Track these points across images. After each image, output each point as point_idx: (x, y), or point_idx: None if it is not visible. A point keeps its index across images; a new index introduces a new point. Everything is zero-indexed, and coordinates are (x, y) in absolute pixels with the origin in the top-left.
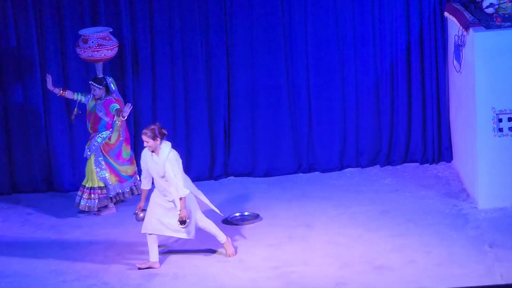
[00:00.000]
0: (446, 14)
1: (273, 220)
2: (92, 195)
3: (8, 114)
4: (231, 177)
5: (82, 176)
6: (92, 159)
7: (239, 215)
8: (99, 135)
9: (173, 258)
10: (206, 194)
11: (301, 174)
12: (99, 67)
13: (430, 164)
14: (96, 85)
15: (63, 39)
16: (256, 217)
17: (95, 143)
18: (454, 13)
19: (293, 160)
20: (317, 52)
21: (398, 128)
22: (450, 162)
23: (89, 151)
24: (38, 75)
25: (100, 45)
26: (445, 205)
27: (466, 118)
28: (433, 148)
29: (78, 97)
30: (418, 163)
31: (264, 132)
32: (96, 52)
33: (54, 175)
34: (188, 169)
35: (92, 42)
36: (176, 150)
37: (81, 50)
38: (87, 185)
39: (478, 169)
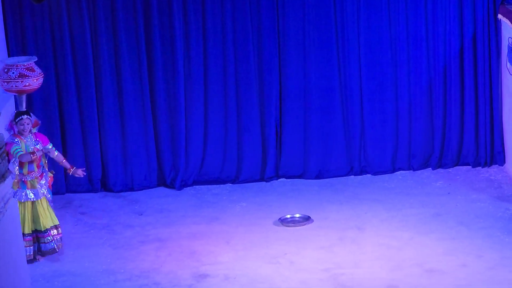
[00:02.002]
0: (499, 16)
1: (324, 222)
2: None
3: (64, 115)
4: (282, 179)
5: (134, 176)
6: (44, 200)
7: (290, 217)
8: (44, 170)
9: (223, 259)
10: (257, 196)
11: (352, 176)
12: (23, 99)
13: (482, 167)
14: (30, 117)
15: (117, 41)
16: (307, 219)
17: (44, 182)
18: (508, 15)
19: (345, 162)
20: (369, 54)
21: (450, 131)
22: (502, 166)
23: (44, 192)
24: (92, 78)
25: (23, 75)
26: (497, 209)
27: None
28: (485, 151)
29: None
30: (470, 166)
31: (316, 134)
32: (20, 83)
33: (106, 176)
34: (239, 170)
35: (13, 73)
36: (228, 152)
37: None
38: (47, 226)
39: None
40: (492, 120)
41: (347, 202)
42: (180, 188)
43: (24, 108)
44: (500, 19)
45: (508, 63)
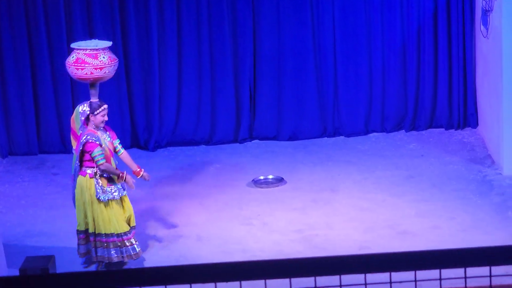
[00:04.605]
0: None
1: (297, 184)
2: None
3: (36, 75)
4: (256, 141)
5: None
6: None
7: (264, 179)
8: None
9: (196, 220)
10: (231, 157)
11: (326, 138)
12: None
13: (455, 130)
14: None
15: (90, 1)
16: (280, 180)
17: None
18: None
19: (318, 124)
20: (343, 17)
21: (424, 93)
22: (475, 128)
23: (123, 189)
24: (64, 36)
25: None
26: (470, 171)
27: (493, 83)
28: (458, 114)
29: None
30: (444, 129)
31: (289, 96)
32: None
33: None
34: (213, 132)
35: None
36: (201, 113)
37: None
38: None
39: (504, 135)
40: (465, 82)
41: (320, 163)
42: (154, 149)
43: (97, 97)
44: None
45: (482, 26)
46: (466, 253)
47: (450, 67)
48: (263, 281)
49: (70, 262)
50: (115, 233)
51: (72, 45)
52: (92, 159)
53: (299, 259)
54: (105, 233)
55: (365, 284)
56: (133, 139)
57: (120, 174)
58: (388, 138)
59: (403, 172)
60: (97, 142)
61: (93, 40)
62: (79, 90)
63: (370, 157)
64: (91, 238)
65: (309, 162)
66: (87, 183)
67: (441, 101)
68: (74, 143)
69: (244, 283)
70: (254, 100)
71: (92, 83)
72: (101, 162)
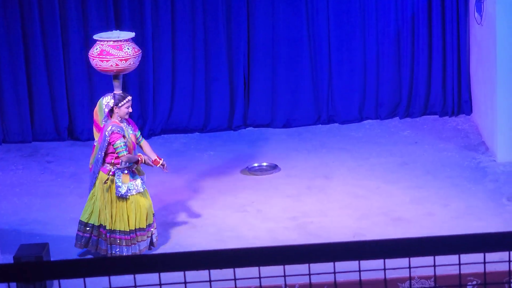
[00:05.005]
0: None
1: (291, 171)
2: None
3: (30, 63)
4: (250, 128)
5: None
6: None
7: (258, 166)
8: None
9: (191, 207)
10: (225, 145)
11: (320, 125)
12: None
13: (449, 117)
14: None
15: None
16: (274, 167)
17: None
18: None
19: (312, 111)
20: (338, 4)
21: (418, 80)
22: (469, 115)
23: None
24: (58, 24)
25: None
26: (464, 158)
27: (486, 70)
28: (452, 101)
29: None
30: (438, 116)
31: (283, 83)
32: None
33: (73, 124)
34: (207, 119)
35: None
36: (196, 101)
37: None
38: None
39: (498, 122)
40: (459, 69)
41: (314, 151)
42: (148, 137)
43: (121, 89)
44: None
45: (476, 13)
46: (460, 239)
47: (444, 54)
48: (257, 268)
49: (64, 250)
50: (132, 229)
51: (95, 37)
52: (114, 150)
53: (293, 246)
54: (124, 230)
55: (359, 271)
56: None
57: (139, 158)
58: (382, 125)
59: (397, 159)
60: (121, 133)
61: (114, 31)
62: (73, 78)
63: (364, 144)
64: (107, 235)
65: (303, 149)
66: (108, 180)
67: (435, 88)
68: (96, 135)
69: (238, 270)
70: (248, 87)
71: (116, 75)
72: (122, 153)
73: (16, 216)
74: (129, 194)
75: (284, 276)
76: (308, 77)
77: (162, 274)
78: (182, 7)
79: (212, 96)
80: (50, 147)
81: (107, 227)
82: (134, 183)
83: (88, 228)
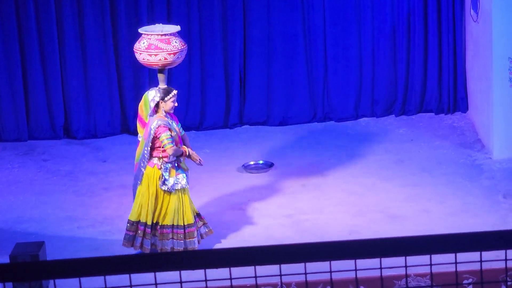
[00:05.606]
0: None
1: (287, 169)
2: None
3: (25, 61)
4: (246, 126)
5: (97, 123)
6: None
7: (254, 164)
8: None
9: None
10: (220, 143)
11: (316, 123)
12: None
13: (445, 114)
14: None
15: None
16: (270, 165)
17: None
18: None
19: (308, 109)
20: (333, 0)
21: (413, 78)
22: (465, 112)
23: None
24: (54, 22)
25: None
26: (460, 155)
27: (482, 68)
28: (448, 98)
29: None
30: (433, 113)
31: (279, 81)
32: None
33: (69, 122)
34: (203, 117)
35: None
36: (191, 98)
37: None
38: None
39: (493, 120)
40: (455, 67)
41: (310, 148)
42: None
43: (165, 83)
44: None
45: (472, 10)
46: (457, 238)
47: (440, 52)
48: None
49: (60, 248)
50: (181, 224)
51: (140, 30)
52: (160, 144)
53: (290, 245)
54: (172, 224)
55: (355, 270)
56: (123, 125)
57: (184, 152)
58: (378, 122)
59: (393, 156)
60: (168, 127)
61: (157, 25)
62: (69, 76)
63: (360, 142)
64: (158, 231)
65: (299, 147)
66: (155, 174)
67: (431, 86)
68: (141, 131)
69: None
70: (244, 85)
71: (161, 69)
72: (168, 146)
73: (12, 214)
74: (176, 188)
75: (280, 275)
76: (304, 75)
77: (157, 273)
78: (177, 3)
79: (208, 94)
80: (46, 145)
81: (160, 223)
82: (180, 177)
83: (136, 226)
